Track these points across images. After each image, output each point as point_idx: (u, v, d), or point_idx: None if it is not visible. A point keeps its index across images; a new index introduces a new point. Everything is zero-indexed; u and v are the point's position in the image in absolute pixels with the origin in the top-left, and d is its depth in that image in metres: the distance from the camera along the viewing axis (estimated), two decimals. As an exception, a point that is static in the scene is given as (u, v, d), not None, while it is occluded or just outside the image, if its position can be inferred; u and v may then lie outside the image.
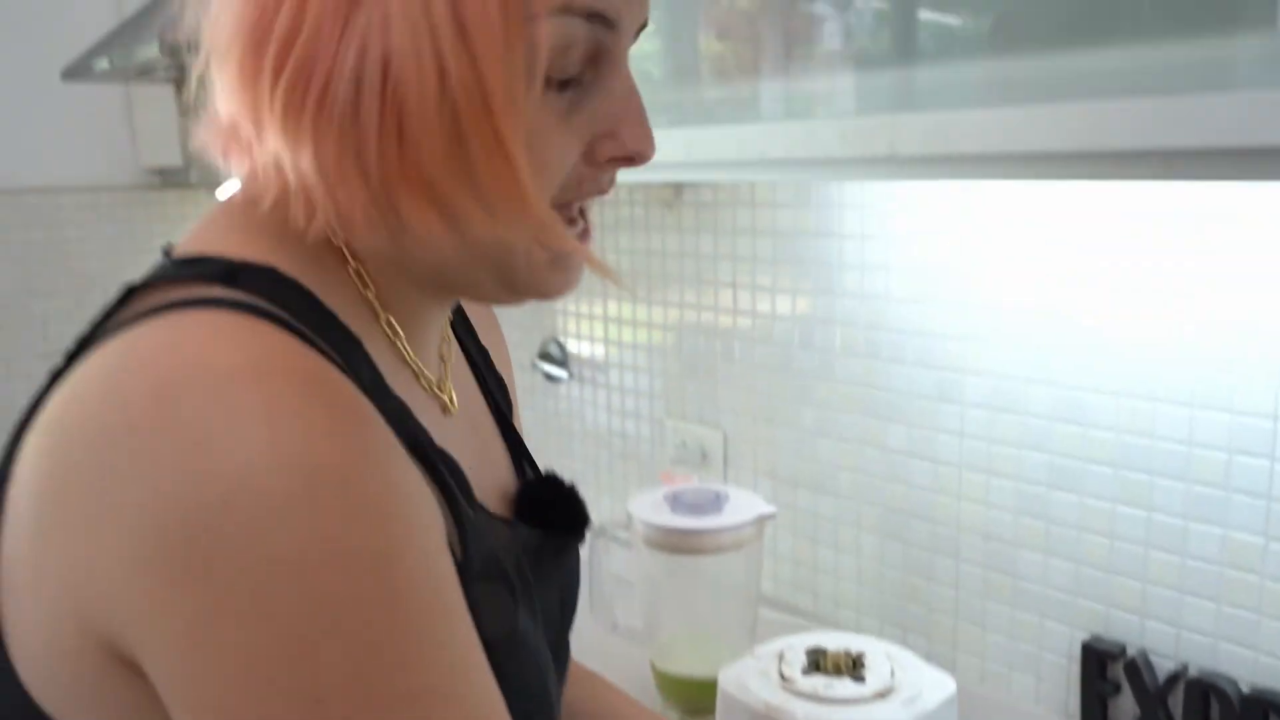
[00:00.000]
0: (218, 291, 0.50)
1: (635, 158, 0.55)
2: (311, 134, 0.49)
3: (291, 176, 0.51)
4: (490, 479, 0.69)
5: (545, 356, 1.76)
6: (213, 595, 0.42)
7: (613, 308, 1.64)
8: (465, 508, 0.57)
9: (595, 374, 1.69)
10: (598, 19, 0.51)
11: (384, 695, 0.43)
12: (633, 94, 0.55)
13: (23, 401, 0.51)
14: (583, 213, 0.59)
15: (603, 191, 0.57)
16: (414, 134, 0.48)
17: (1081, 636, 1.09)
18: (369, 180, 0.49)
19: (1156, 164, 0.63)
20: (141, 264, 0.56)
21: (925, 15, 0.87)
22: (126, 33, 1.69)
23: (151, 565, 0.42)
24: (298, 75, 0.48)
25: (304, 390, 0.45)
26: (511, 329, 1.82)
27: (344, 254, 0.57)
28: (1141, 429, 1.02)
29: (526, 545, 0.65)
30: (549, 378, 1.76)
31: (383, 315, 0.58)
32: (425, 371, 0.62)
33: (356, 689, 0.43)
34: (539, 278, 0.57)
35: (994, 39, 0.80)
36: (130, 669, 0.46)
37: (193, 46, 0.53)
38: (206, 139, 0.54)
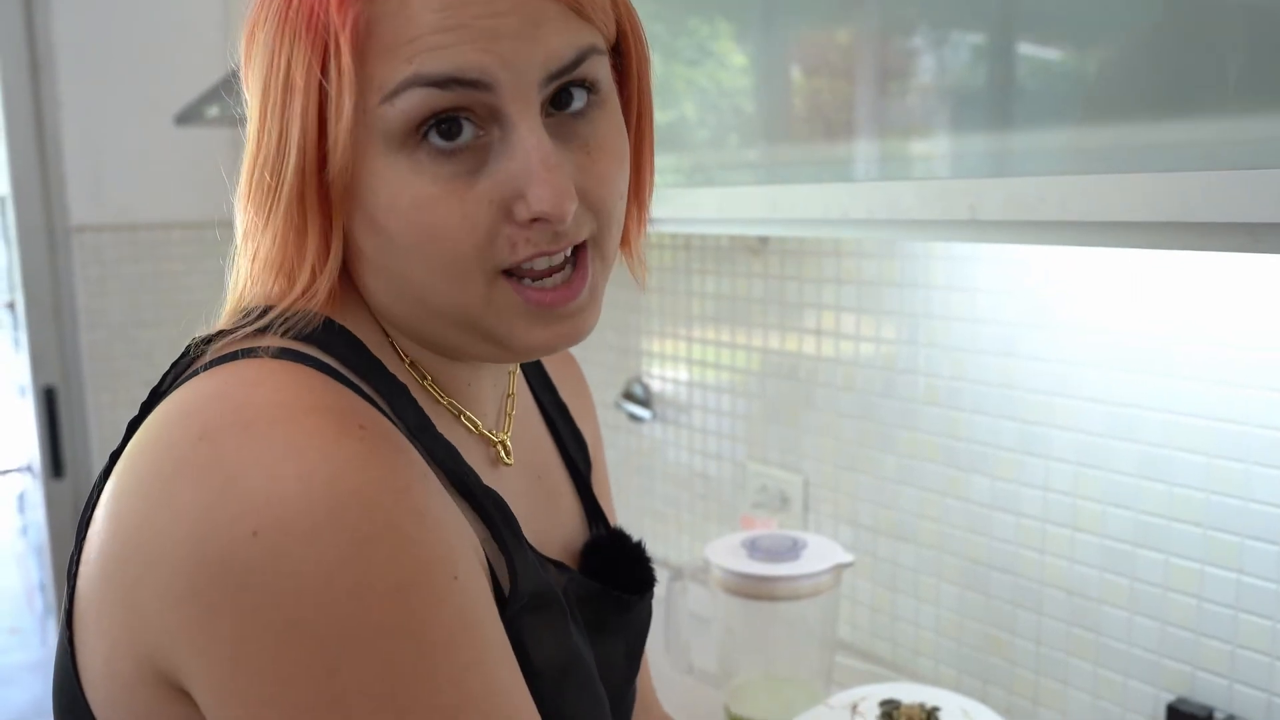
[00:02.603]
0: (269, 341, 0.54)
1: (546, 218, 0.53)
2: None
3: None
4: (554, 530, 0.70)
5: (629, 396, 1.78)
6: (245, 622, 0.45)
7: (697, 350, 1.65)
8: (515, 543, 0.58)
9: (678, 415, 1.71)
10: (459, 84, 0.51)
11: (413, 716, 0.46)
12: (533, 151, 0.53)
13: (129, 426, 0.56)
14: (571, 259, 0.57)
15: (546, 251, 0.55)
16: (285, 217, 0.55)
17: (1167, 698, 1.07)
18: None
19: (1242, 236, 0.63)
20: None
21: (1023, 49, 0.87)
22: (235, 82, 1.76)
23: (192, 596, 0.46)
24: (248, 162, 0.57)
25: (334, 426, 0.49)
26: (597, 368, 1.86)
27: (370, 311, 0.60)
28: (1233, 490, 1.00)
29: (583, 596, 0.66)
30: (632, 417, 1.78)
31: (406, 359, 0.61)
32: (469, 413, 0.64)
33: (384, 711, 0.45)
34: (519, 334, 0.57)
35: (1085, 105, 0.80)
36: (181, 696, 0.49)
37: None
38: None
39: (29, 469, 2.42)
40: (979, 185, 0.78)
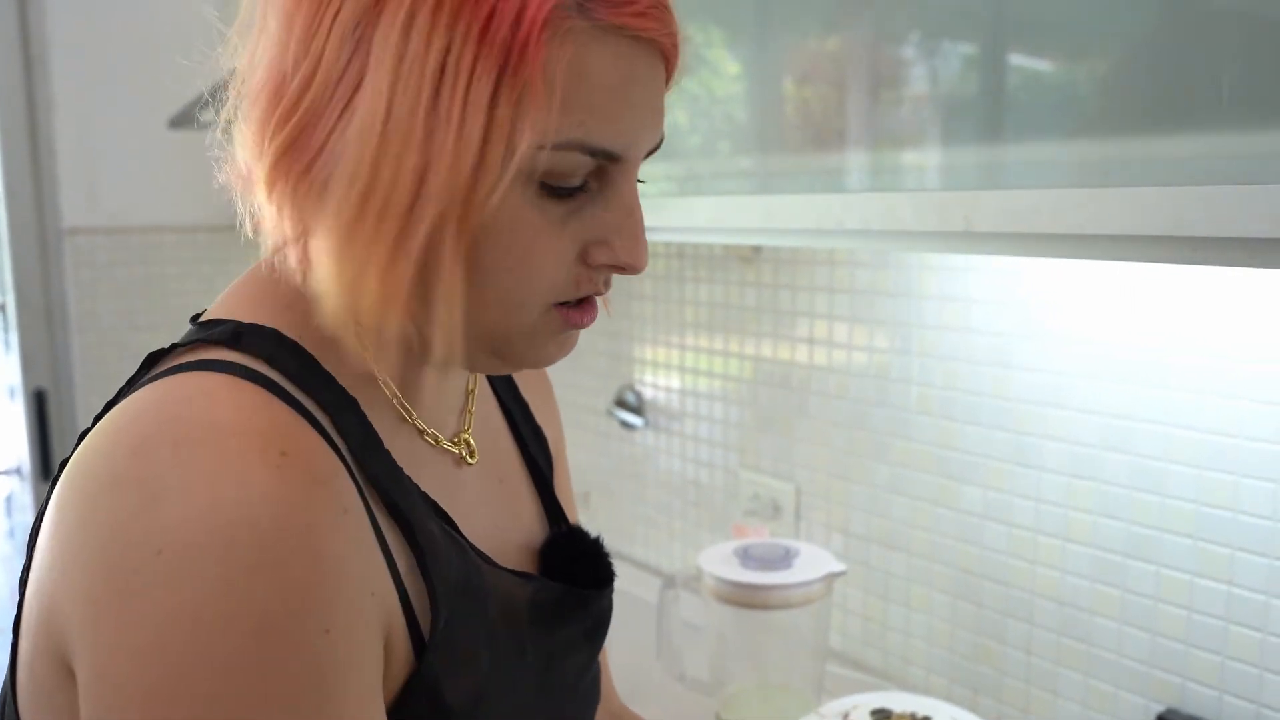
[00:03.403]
0: (218, 354, 0.54)
1: (626, 268, 0.58)
2: (291, 198, 0.53)
3: (275, 234, 0.55)
4: (514, 532, 0.71)
5: (622, 404, 1.78)
6: (123, 632, 0.46)
7: (690, 358, 1.66)
8: (449, 571, 0.58)
9: (671, 423, 1.71)
10: (603, 154, 0.54)
11: None
12: (633, 210, 0.57)
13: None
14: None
15: (599, 292, 0.59)
16: (371, 234, 0.51)
17: (1157, 709, 1.07)
18: (335, 260, 0.52)
19: (1237, 251, 0.63)
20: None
21: (1015, 59, 0.87)
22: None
23: (91, 598, 0.47)
24: (290, 143, 0.52)
25: (254, 451, 0.48)
26: (589, 375, 1.86)
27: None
28: (1224, 502, 1.00)
29: (542, 599, 0.67)
30: (625, 425, 1.78)
31: (380, 374, 0.60)
32: (429, 429, 0.64)
33: None
34: (541, 353, 0.60)
35: (1078, 120, 0.80)
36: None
37: (226, 89, 0.58)
38: (228, 179, 0.58)
39: (18, 471, 2.41)
40: (973, 197, 0.78)
